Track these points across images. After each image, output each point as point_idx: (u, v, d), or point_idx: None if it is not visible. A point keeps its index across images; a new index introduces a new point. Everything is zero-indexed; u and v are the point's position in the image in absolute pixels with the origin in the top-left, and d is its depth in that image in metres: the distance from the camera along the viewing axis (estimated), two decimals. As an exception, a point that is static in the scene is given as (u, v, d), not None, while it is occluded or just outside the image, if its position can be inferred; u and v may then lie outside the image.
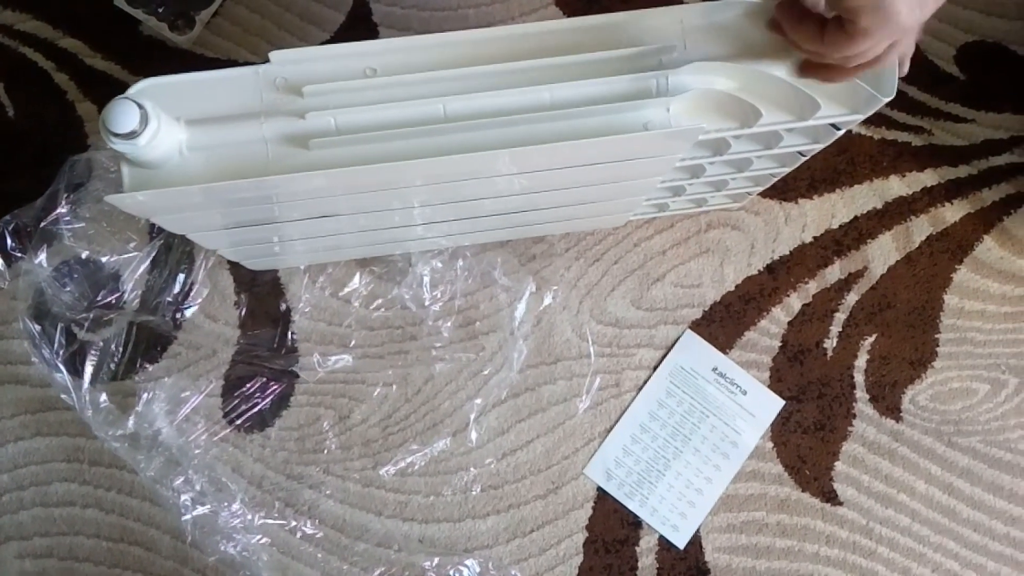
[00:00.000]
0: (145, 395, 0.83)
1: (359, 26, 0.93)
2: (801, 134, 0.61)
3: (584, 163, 0.59)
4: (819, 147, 0.63)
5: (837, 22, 0.46)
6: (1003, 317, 0.90)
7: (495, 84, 0.54)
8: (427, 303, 0.87)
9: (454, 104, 0.54)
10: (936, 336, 0.90)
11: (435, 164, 0.53)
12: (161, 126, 0.51)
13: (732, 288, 0.90)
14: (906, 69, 0.53)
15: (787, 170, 0.71)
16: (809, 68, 0.53)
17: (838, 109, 0.55)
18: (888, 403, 0.88)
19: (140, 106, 0.49)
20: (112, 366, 0.84)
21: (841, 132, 0.60)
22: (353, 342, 0.87)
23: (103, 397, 0.82)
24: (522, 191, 0.64)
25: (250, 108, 0.54)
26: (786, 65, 0.54)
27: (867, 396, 0.89)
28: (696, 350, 0.89)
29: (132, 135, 0.49)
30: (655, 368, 0.88)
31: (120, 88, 0.53)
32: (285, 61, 0.54)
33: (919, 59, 0.93)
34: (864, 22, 0.44)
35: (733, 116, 0.55)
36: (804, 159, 0.67)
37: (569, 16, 0.94)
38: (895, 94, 0.53)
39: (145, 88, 0.54)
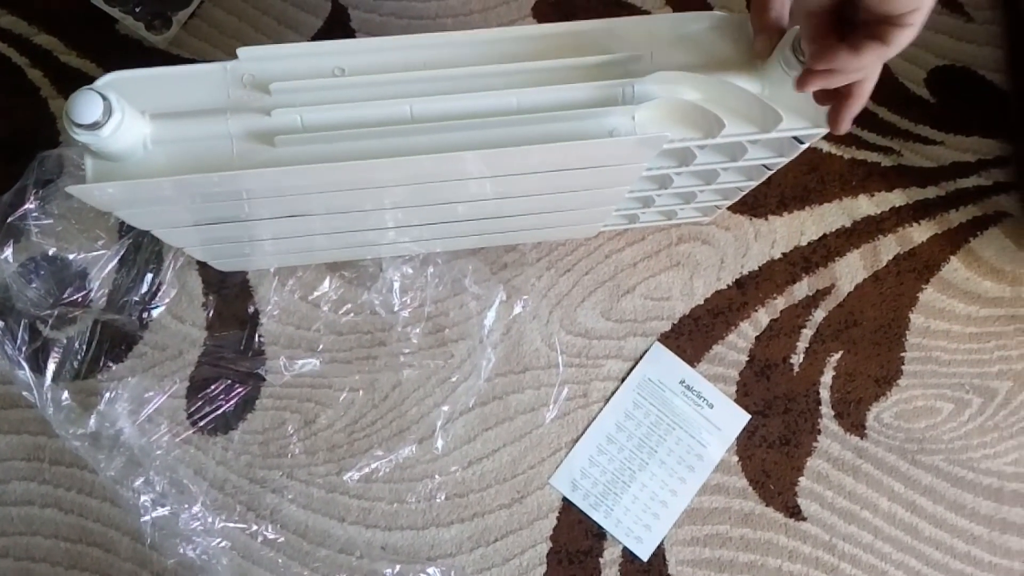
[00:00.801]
0: (108, 394, 0.82)
1: (336, 31, 0.93)
2: (765, 147, 0.62)
3: (551, 169, 0.59)
4: (784, 161, 0.64)
5: (866, 32, 0.46)
6: (968, 337, 0.91)
7: (463, 87, 0.55)
8: (397, 309, 0.87)
9: (421, 106, 0.54)
10: (901, 354, 0.90)
11: (399, 165, 0.54)
12: (125, 118, 0.50)
13: (701, 302, 0.90)
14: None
15: (754, 184, 0.71)
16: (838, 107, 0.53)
17: (800, 122, 0.56)
18: (853, 420, 0.89)
19: (104, 97, 0.49)
20: (75, 364, 0.84)
21: (805, 146, 0.60)
22: (321, 346, 0.87)
23: (65, 395, 0.81)
24: (490, 196, 0.65)
25: (216, 104, 0.54)
26: (751, 78, 0.55)
27: (832, 412, 0.89)
28: (664, 362, 0.89)
29: (95, 126, 0.49)
30: (623, 379, 0.89)
31: (94, 86, 0.53)
32: (253, 58, 0.54)
33: (890, 81, 0.95)
34: (913, 19, 0.44)
35: (697, 126, 0.56)
36: (770, 172, 0.68)
37: (546, 28, 0.94)
38: (856, 108, 0.54)
39: (112, 81, 0.54)
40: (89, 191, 0.53)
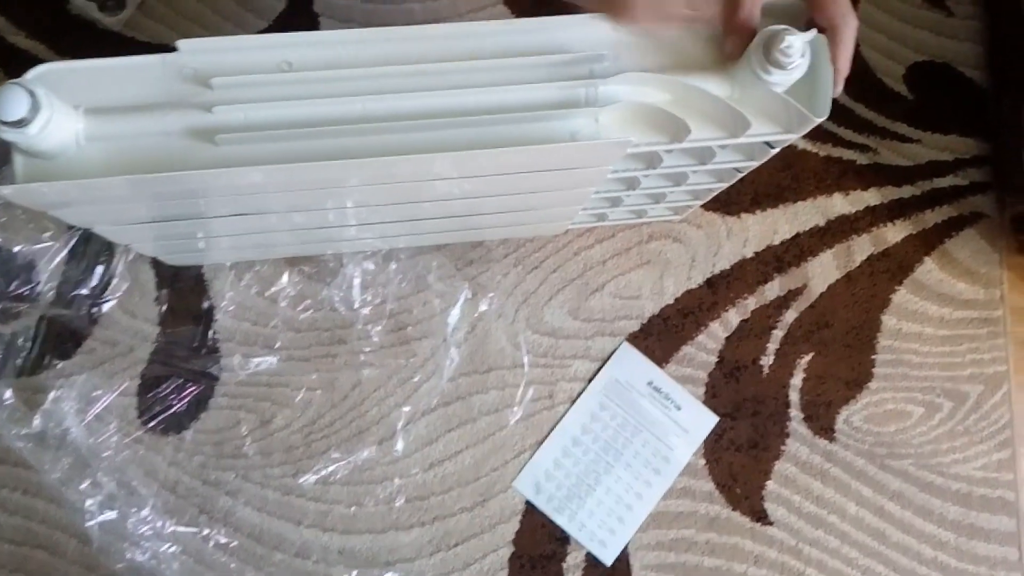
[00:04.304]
0: (54, 392, 0.79)
1: (299, 15, 0.90)
2: (735, 151, 0.59)
3: (510, 171, 0.56)
4: (755, 164, 0.61)
5: None
6: (940, 340, 0.90)
7: (418, 85, 0.52)
8: (357, 306, 0.84)
9: (373, 104, 0.51)
10: (872, 357, 0.89)
11: (347, 167, 0.51)
12: (55, 115, 0.47)
13: (671, 301, 0.88)
14: (839, 89, 0.51)
15: (725, 185, 0.69)
16: None
17: (770, 127, 0.54)
18: (822, 423, 0.87)
19: (31, 93, 0.46)
20: (20, 361, 0.80)
21: (776, 150, 0.58)
22: (278, 343, 0.84)
23: (8, 393, 0.78)
24: (448, 197, 0.62)
25: (154, 99, 0.51)
26: (720, 80, 0.52)
27: (801, 415, 0.87)
28: (632, 363, 0.87)
29: (21, 123, 0.46)
30: (590, 380, 0.86)
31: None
32: (195, 51, 0.51)
33: (868, 77, 0.93)
34: None
35: (663, 130, 0.53)
36: (742, 175, 0.66)
37: (517, 15, 0.91)
38: (828, 114, 0.51)
39: (43, 73, 0.50)
40: (23, 192, 0.49)
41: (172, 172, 0.49)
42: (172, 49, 0.51)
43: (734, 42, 0.51)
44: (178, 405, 0.82)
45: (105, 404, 0.81)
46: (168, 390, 0.82)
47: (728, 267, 0.89)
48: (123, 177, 0.48)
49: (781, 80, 0.50)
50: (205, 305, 0.84)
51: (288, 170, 0.50)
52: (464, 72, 0.52)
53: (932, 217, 0.92)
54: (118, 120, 0.50)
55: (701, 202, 0.78)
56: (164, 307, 0.84)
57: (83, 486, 0.78)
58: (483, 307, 0.86)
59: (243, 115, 0.50)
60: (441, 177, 0.56)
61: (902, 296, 0.90)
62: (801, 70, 0.50)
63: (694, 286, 0.89)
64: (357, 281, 0.84)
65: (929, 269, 0.91)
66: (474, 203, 0.65)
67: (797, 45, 0.48)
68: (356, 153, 0.51)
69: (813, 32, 0.50)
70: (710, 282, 0.89)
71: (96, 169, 0.50)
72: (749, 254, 0.90)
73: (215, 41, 0.51)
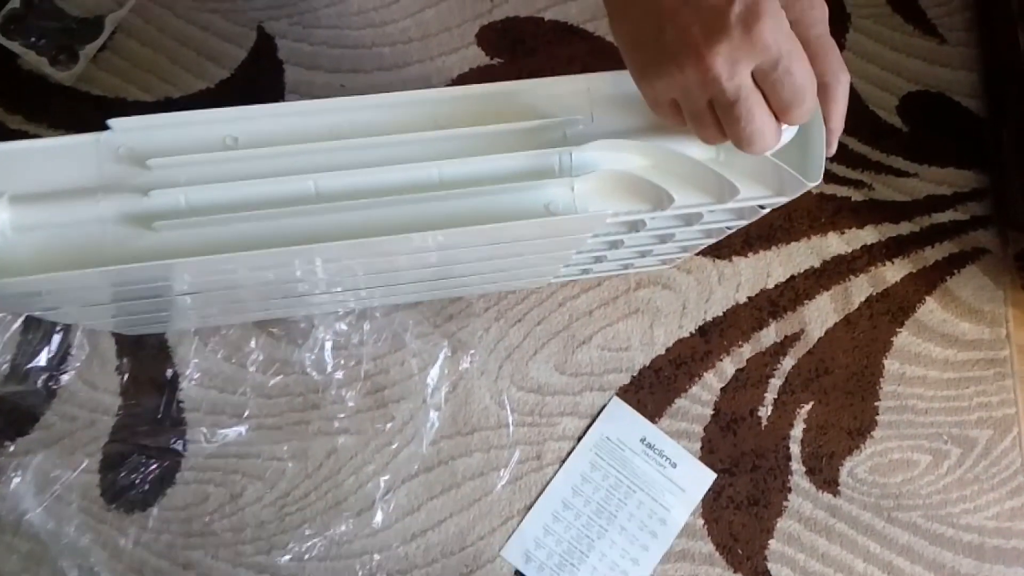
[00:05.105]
0: (8, 474, 0.74)
1: (263, 63, 0.86)
2: (724, 212, 0.55)
3: (481, 243, 0.52)
4: (745, 223, 0.57)
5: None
6: (945, 383, 0.85)
7: (376, 159, 0.47)
8: (330, 369, 0.80)
9: (327, 181, 0.47)
10: (876, 404, 0.85)
11: (296, 253, 0.46)
12: (-28, 207, 0.43)
13: (662, 352, 0.84)
14: (833, 149, 0.47)
15: (713, 240, 0.65)
16: None
17: (759, 191, 0.49)
18: (825, 476, 0.83)
19: (-55, 185, 0.42)
20: (-30, 443, 0.76)
21: (767, 211, 0.54)
22: (247, 412, 0.79)
23: (-41, 478, 0.74)
24: (418, 266, 0.58)
25: (87, 183, 0.46)
26: (703, 143, 0.48)
27: (803, 468, 0.83)
28: (623, 419, 0.82)
29: (-65, 218, 0.42)
30: (579, 439, 0.82)
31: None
32: (129, 128, 0.47)
33: (861, 109, 0.89)
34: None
35: (645, 198, 0.49)
36: (731, 231, 0.61)
37: (492, 56, 0.87)
38: (821, 178, 0.47)
39: (-37, 158, 0.46)
40: (-63, 289, 0.45)
41: (104, 267, 0.44)
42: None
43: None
44: (143, 480, 0.77)
45: (65, 483, 0.76)
46: (132, 464, 0.78)
47: (721, 313, 0.85)
48: (47, 275, 0.44)
49: (770, 142, 0.46)
50: (169, 373, 0.79)
51: (232, 259, 0.45)
52: (427, 143, 0.48)
53: (932, 254, 0.88)
54: (48, 208, 0.46)
55: (690, 254, 0.74)
56: (126, 376, 0.79)
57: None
58: (464, 364, 0.82)
59: (183, 198, 0.46)
60: (410, 252, 0.51)
61: (904, 338, 0.86)
62: (792, 131, 0.45)
63: (686, 335, 0.84)
64: (329, 343, 0.80)
65: (931, 309, 0.86)
66: (447, 269, 0.61)
67: None
68: (310, 236, 0.46)
69: None
70: (702, 330, 0.85)
71: (25, 263, 0.45)
72: (742, 299, 0.85)
73: (151, 118, 0.46)
